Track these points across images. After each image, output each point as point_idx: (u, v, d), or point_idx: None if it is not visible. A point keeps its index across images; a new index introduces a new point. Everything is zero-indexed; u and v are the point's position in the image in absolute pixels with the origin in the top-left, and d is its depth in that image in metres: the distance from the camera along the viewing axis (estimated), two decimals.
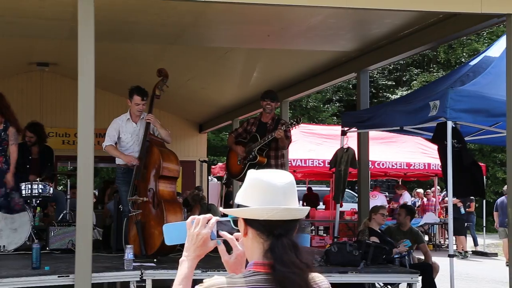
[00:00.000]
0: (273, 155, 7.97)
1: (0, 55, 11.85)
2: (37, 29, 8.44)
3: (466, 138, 7.72)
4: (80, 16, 6.12)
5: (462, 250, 15.81)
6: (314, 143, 15.57)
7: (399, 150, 15.91)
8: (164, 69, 7.78)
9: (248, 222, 2.08)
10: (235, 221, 2.17)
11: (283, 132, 7.66)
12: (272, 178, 2.07)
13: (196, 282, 2.18)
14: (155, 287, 6.35)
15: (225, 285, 1.97)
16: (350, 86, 29.62)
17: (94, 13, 6.04)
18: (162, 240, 7.00)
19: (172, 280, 6.66)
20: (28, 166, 9.16)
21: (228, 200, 15.08)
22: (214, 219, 2.20)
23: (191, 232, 2.20)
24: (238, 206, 2.10)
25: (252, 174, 2.12)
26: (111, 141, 7.78)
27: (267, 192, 2.04)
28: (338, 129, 14.51)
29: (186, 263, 2.22)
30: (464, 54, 27.51)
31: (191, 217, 2.20)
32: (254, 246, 2.07)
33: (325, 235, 15.55)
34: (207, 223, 2.19)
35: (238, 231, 2.16)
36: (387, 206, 14.01)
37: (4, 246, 7.84)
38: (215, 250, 2.26)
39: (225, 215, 2.22)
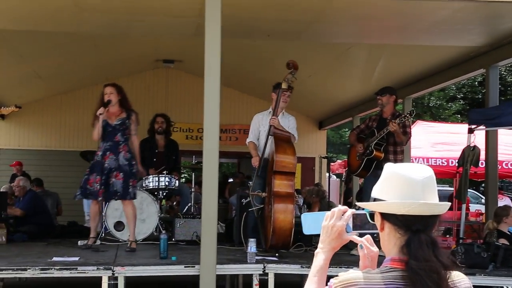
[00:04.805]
0: (392, 150, 7.79)
1: (129, 52, 12.39)
2: (164, 26, 8.69)
3: None
4: (208, 13, 6.26)
5: None
6: (437, 141, 15.14)
7: None
8: (294, 61, 7.60)
9: (385, 216, 2.04)
10: (372, 215, 2.13)
11: (398, 126, 7.46)
12: (411, 172, 2.02)
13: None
14: (277, 281, 6.40)
15: (361, 280, 1.93)
16: (476, 83, 28.56)
17: (221, 10, 6.16)
18: (272, 235, 7.04)
19: (294, 275, 6.67)
20: (154, 159, 9.49)
21: (347, 197, 14.97)
22: (350, 211, 2.17)
23: (326, 224, 2.18)
24: (375, 200, 2.07)
25: (389, 168, 2.08)
26: (253, 137, 7.96)
27: (405, 186, 1.99)
28: (461, 127, 14.04)
29: (321, 255, 2.19)
30: None
31: (332, 210, 2.18)
32: (391, 241, 2.03)
33: (447, 236, 15.07)
34: (342, 215, 2.17)
35: (375, 225, 2.12)
36: None
37: None
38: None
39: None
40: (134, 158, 7.54)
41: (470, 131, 8.71)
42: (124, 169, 7.34)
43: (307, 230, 2.25)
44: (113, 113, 7.56)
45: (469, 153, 8.63)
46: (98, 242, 7.93)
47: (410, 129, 7.87)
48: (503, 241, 7.29)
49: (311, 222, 2.24)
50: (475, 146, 8.71)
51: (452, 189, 17.95)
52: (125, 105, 7.64)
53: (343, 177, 16.46)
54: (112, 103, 7.54)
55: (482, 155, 9.04)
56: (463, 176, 8.88)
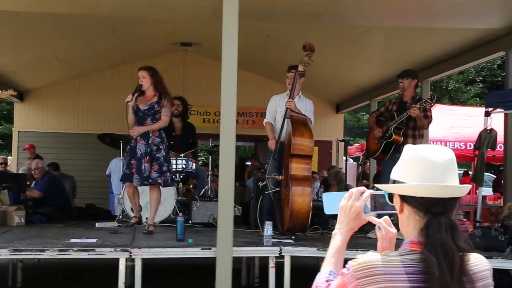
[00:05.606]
0: (411, 134, 7.73)
1: (146, 35, 12.39)
2: (181, 9, 8.67)
3: None
4: None
5: None
6: (455, 124, 15.05)
7: None
8: (310, 43, 7.52)
9: (405, 198, 2.02)
10: (390, 197, 2.12)
11: (418, 111, 7.40)
12: (432, 154, 1.99)
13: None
14: (293, 264, 6.42)
15: (379, 262, 1.91)
16: (495, 66, 28.28)
17: None
18: (289, 218, 7.05)
19: (310, 258, 6.67)
20: (172, 142, 9.50)
21: (362, 180, 14.93)
22: (368, 192, 2.15)
23: (344, 204, 2.17)
24: (394, 182, 2.05)
25: (410, 150, 2.05)
26: (269, 118, 7.98)
27: (426, 168, 1.97)
28: (479, 110, 13.90)
29: (339, 236, 2.18)
30: None
31: (350, 190, 2.17)
32: (411, 223, 2.01)
33: (465, 219, 15.02)
34: (360, 196, 2.16)
35: (393, 207, 2.11)
36: None
37: None
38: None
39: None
40: (163, 143, 7.52)
41: (487, 114, 8.63)
42: (152, 154, 7.38)
43: (327, 209, 2.24)
44: (147, 98, 7.50)
45: (486, 136, 8.56)
46: (116, 224, 7.99)
47: (431, 112, 7.78)
48: None
49: (331, 202, 2.23)
50: (491, 129, 8.64)
51: (461, 171, 17.84)
52: (159, 89, 7.53)
53: (360, 160, 16.44)
54: (144, 87, 7.48)
55: (499, 138, 8.95)
56: (479, 159, 8.82)
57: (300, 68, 7.60)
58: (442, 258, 1.88)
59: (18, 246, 6.02)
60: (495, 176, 19.69)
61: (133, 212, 8.15)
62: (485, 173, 9.38)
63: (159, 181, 7.41)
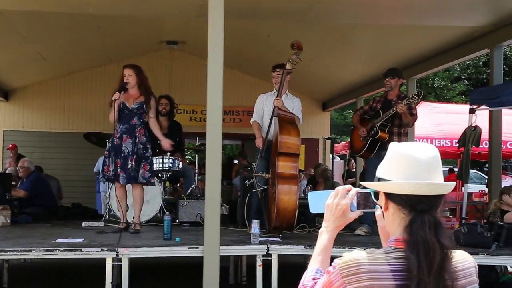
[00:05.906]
0: (396, 131, 7.75)
1: (132, 34, 12.34)
2: (168, 7, 8.66)
3: None
4: None
5: None
6: (441, 121, 15.12)
7: None
8: (298, 42, 7.55)
9: (390, 196, 2.02)
10: (376, 194, 2.12)
11: (405, 107, 7.42)
12: (416, 152, 1.99)
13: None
14: (280, 262, 6.42)
15: (365, 260, 1.91)
16: (480, 63, 28.42)
17: None
18: (276, 216, 7.05)
19: (298, 256, 6.67)
20: (158, 141, 9.46)
21: (347, 178, 14.96)
22: (354, 190, 2.16)
23: (330, 202, 2.17)
24: (379, 179, 2.05)
25: (394, 147, 2.06)
26: (257, 117, 7.99)
27: (410, 165, 1.97)
28: (465, 107, 13.99)
29: (325, 234, 2.18)
30: None
31: (336, 188, 2.18)
32: (396, 221, 2.01)
33: (451, 216, 15.10)
34: (346, 194, 2.16)
35: (379, 204, 2.11)
36: None
37: None
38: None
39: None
40: (149, 142, 7.50)
41: (471, 111, 8.67)
42: (138, 153, 7.34)
43: (313, 209, 2.24)
44: (132, 96, 7.47)
45: (471, 133, 8.60)
46: (102, 223, 7.96)
47: (416, 110, 7.81)
48: (510, 215, 7.31)
49: (317, 201, 2.22)
50: (476, 126, 8.68)
51: (446, 168, 17.93)
52: (144, 88, 7.51)
53: (346, 158, 16.48)
54: (130, 86, 7.45)
55: (484, 135, 9.01)
56: (464, 157, 8.87)
57: (288, 67, 7.62)
58: (423, 256, 1.89)
59: (3, 247, 5.98)
60: (482, 174, 19.84)
61: (119, 211, 8.12)
62: (470, 170, 9.43)
63: (152, 181, 7.45)
